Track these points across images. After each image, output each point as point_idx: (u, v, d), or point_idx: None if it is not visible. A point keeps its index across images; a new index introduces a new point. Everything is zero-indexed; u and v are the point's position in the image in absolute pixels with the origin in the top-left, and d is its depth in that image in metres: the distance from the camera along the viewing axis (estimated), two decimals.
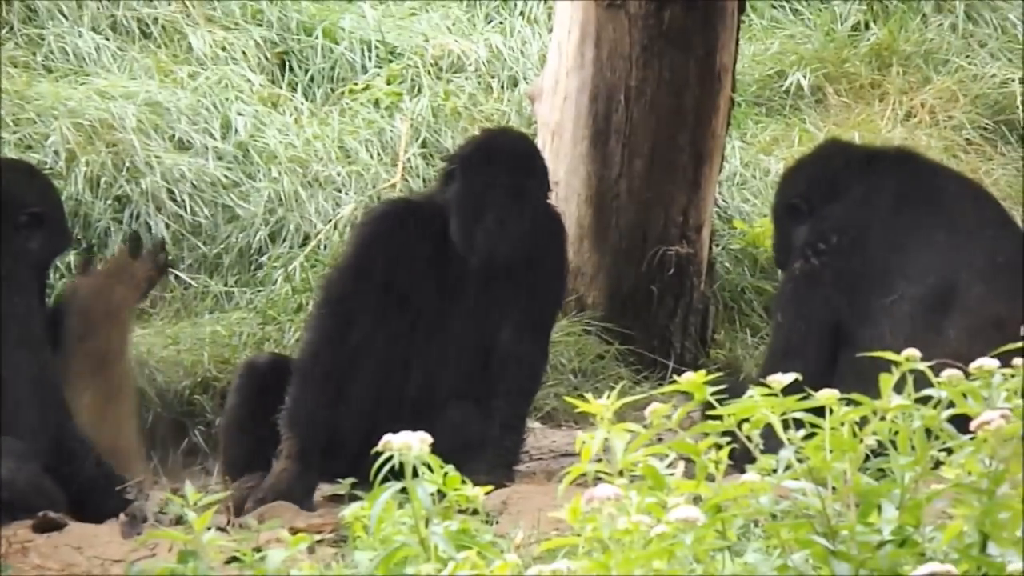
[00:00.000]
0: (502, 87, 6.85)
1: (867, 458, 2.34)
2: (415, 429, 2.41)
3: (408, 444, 2.37)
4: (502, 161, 4.35)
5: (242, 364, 4.56)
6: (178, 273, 6.05)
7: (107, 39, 6.69)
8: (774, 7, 7.41)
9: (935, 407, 2.34)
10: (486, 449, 4.26)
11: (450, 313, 4.35)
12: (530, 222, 4.33)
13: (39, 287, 4.00)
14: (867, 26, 7.29)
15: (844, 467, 2.29)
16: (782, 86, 7.03)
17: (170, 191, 6.16)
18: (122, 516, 3.79)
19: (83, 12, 6.73)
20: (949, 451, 2.33)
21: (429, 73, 6.83)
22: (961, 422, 2.35)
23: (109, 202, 6.07)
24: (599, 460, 2.39)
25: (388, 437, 2.38)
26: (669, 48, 5.61)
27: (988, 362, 2.35)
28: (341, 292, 4.36)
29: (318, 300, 4.43)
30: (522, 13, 7.17)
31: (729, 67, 5.73)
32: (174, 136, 6.36)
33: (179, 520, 3.55)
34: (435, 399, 4.31)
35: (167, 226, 6.10)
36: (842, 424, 2.31)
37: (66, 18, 6.69)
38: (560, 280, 4.52)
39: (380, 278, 4.32)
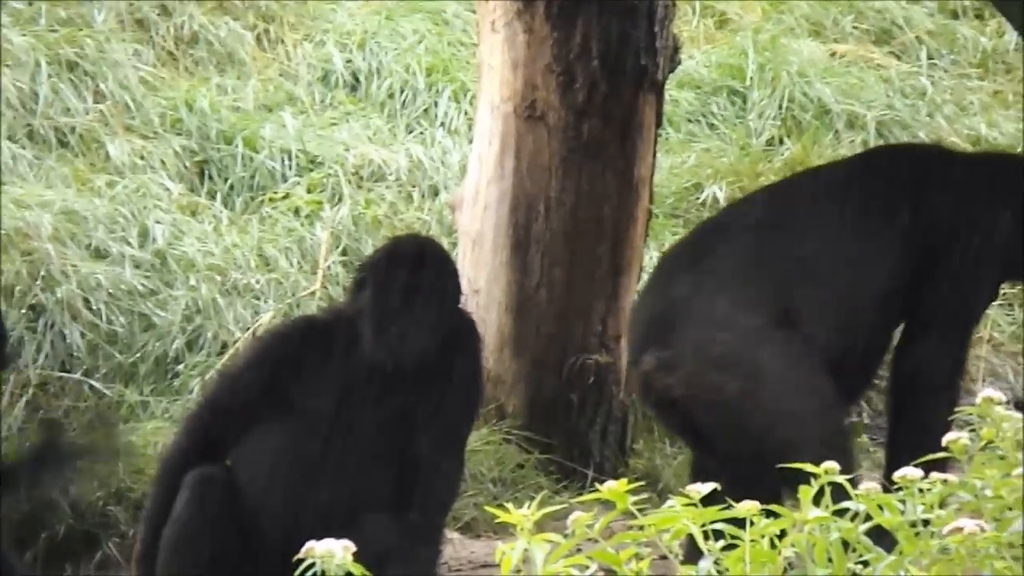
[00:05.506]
0: (423, 196, 6.88)
1: (785, 570, 2.35)
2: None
3: (331, 552, 2.34)
4: (408, 265, 4.34)
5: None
6: (93, 383, 5.97)
7: (23, 148, 6.66)
8: (691, 121, 7.52)
9: (853, 519, 2.36)
10: (402, 562, 4.21)
11: (360, 423, 4.32)
12: (441, 326, 4.32)
13: None
14: (781, 141, 7.41)
15: None
16: (699, 198, 7.11)
17: (86, 300, 6.10)
18: None
19: None
20: (865, 563, 2.34)
21: (350, 182, 6.85)
22: (879, 534, 2.36)
23: (23, 311, 6.00)
24: (519, 571, 2.37)
25: (311, 544, 2.35)
26: (588, 160, 5.67)
27: (911, 471, 2.37)
28: (213, 397, 4.41)
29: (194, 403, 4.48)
30: (443, 124, 7.23)
31: (647, 179, 5.80)
32: (91, 244, 6.31)
33: None
34: (350, 510, 4.27)
35: (82, 335, 6.04)
36: (762, 536, 2.32)
37: None
38: (475, 388, 4.47)
39: (264, 388, 4.31)
